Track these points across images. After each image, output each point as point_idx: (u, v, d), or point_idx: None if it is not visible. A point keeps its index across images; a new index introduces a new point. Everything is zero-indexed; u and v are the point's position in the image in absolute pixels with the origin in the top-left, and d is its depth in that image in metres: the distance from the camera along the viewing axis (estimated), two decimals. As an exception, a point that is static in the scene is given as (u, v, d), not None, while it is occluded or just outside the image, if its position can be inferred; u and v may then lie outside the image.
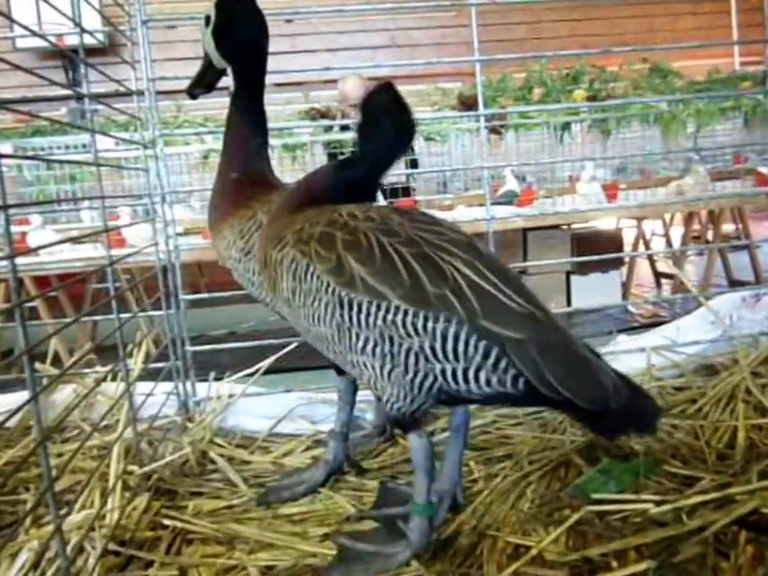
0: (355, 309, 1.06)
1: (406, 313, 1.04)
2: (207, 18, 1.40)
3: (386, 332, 1.05)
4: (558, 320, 1.06)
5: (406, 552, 1.16)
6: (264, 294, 1.44)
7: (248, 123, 1.44)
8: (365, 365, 1.09)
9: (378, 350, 1.06)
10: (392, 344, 1.05)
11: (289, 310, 1.19)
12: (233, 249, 1.43)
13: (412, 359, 1.05)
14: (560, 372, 1.00)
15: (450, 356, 1.03)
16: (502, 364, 1.01)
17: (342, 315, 1.08)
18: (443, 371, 1.04)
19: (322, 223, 1.14)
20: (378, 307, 1.05)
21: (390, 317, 1.04)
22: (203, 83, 1.47)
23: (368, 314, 1.06)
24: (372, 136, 1.20)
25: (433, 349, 1.03)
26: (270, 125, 1.48)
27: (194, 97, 1.49)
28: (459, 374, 1.04)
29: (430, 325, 1.03)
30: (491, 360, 1.02)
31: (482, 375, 1.03)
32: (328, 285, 1.09)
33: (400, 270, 1.05)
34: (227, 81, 1.45)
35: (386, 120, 1.19)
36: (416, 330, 1.03)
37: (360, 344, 1.07)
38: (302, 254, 1.13)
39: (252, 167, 1.45)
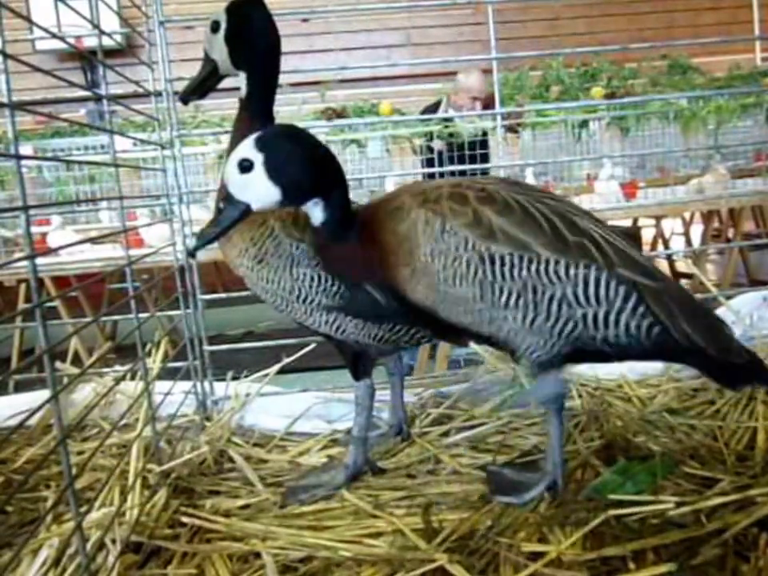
0: (498, 263, 1.08)
1: (548, 262, 1.08)
2: (215, 24, 1.37)
3: (530, 282, 1.09)
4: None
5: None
6: (279, 302, 1.41)
7: (256, 128, 1.42)
8: (506, 318, 1.11)
9: (521, 301, 1.09)
10: (535, 293, 1.09)
11: (426, 281, 1.14)
12: (244, 257, 1.40)
13: (555, 306, 1.09)
14: (693, 321, 1.06)
15: (593, 300, 1.08)
16: (641, 309, 1.07)
17: (484, 272, 1.09)
18: (584, 316, 1.09)
19: (446, 186, 1.15)
20: (521, 258, 1.08)
21: (533, 266, 1.08)
22: (202, 89, 1.44)
23: (512, 266, 1.08)
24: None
25: (575, 294, 1.08)
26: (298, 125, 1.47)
27: (185, 102, 1.47)
28: (600, 317, 1.08)
29: (572, 271, 1.08)
30: (631, 304, 1.07)
31: (622, 319, 1.08)
32: (466, 240, 1.09)
33: (540, 220, 1.09)
34: (233, 81, 1.44)
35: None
36: (559, 277, 1.08)
37: (504, 298, 1.09)
38: (434, 212, 1.12)
39: None
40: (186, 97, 1.46)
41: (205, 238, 1.18)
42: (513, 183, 1.20)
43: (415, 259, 1.15)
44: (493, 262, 1.08)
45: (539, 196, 1.15)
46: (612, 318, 1.08)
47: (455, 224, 1.10)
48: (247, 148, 1.14)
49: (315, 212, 1.18)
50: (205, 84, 1.45)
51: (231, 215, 1.17)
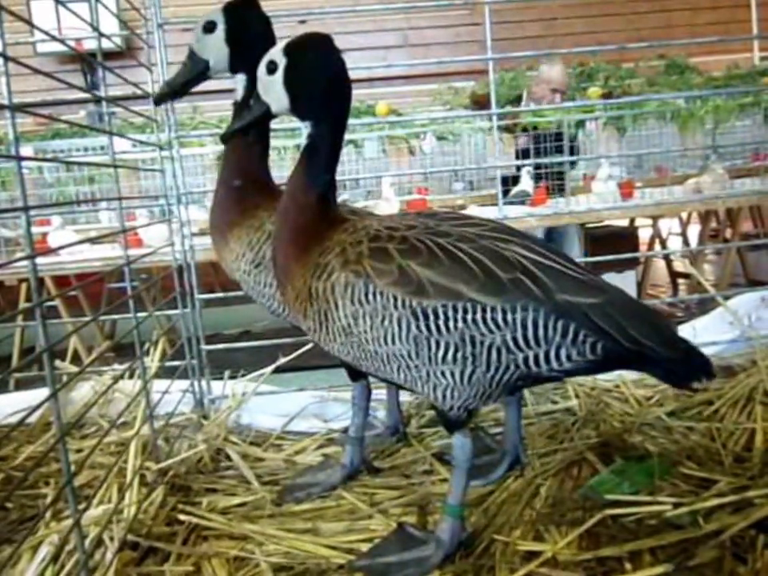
0: (431, 317, 1.04)
1: (484, 309, 1.04)
2: (209, 24, 1.35)
3: (467, 333, 1.05)
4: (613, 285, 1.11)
5: (438, 553, 1.15)
6: (276, 306, 1.42)
7: (252, 130, 1.39)
8: (443, 374, 1.08)
9: (459, 354, 1.05)
10: (473, 345, 1.05)
11: (343, 340, 1.13)
12: (242, 261, 1.40)
13: (494, 355, 1.06)
14: (640, 326, 1.05)
15: (532, 343, 1.05)
16: (580, 336, 1.05)
17: (418, 327, 1.05)
18: (525, 359, 1.06)
19: (365, 241, 1.10)
20: (455, 309, 1.04)
21: (469, 316, 1.04)
22: (185, 90, 1.41)
23: (446, 319, 1.04)
24: (307, 97, 1.16)
25: (515, 339, 1.05)
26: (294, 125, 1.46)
27: (159, 104, 1.46)
28: (541, 357, 1.06)
29: (509, 317, 1.04)
30: (570, 336, 1.05)
31: (563, 352, 1.06)
32: (395, 298, 1.06)
33: (469, 264, 1.04)
34: (233, 83, 1.43)
35: (315, 71, 1.15)
36: (497, 324, 1.04)
37: (441, 352, 1.06)
38: (356, 274, 1.09)
39: (255, 174, 1.42)
40: (161, 100, 1.43)
41: (231, 129, 1.25)
42: (430, 215, 1.16)
43: (331, 320, 1.13)
44: (426, 317, 1.04)
45: (460, 231, 1.10)
46: (552, 354, 1.05)
47: (381, 284, 1.06)
48: (277, 50, 1.16)
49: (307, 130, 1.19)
50: (189, 84, 1.41)
51: (254, 113, 1.21)
